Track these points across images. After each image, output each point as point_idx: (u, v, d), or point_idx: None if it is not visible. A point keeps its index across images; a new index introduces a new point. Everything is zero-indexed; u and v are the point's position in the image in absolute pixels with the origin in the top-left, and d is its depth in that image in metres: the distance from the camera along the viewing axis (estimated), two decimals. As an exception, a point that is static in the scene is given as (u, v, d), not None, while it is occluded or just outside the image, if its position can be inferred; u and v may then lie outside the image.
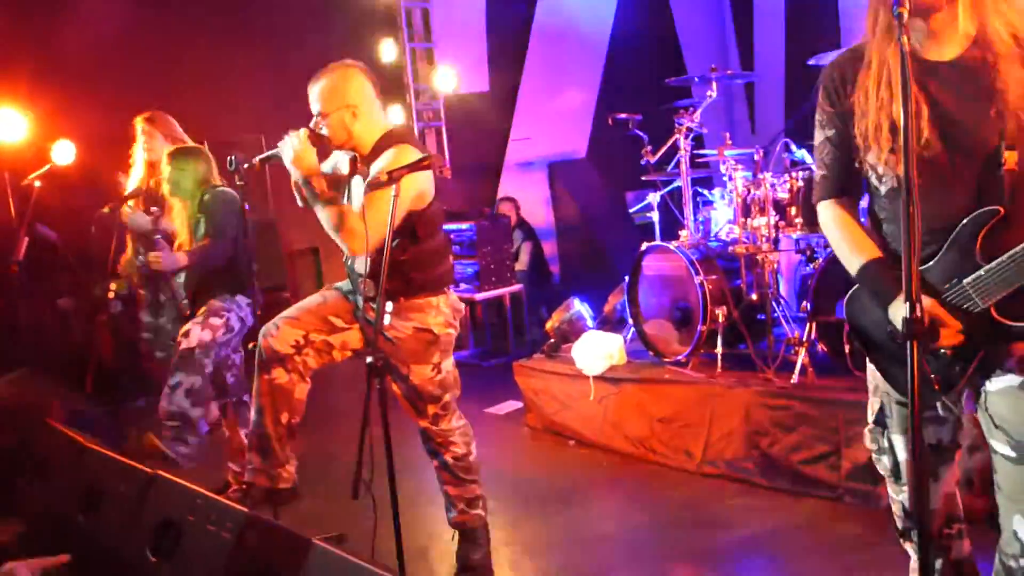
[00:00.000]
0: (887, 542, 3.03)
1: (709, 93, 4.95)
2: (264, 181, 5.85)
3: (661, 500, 3.78)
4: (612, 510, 3.71)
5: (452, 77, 7.21)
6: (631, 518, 3.61)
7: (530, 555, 3.33)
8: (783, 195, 4.31)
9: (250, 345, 3.08)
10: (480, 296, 6.48)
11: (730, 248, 4.44)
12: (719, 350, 4.23)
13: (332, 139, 2.85)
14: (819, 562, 3.07)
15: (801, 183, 4.26)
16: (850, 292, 2.04)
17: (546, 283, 7.70)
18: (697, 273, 4.29)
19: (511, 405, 5.27)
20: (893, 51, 1.70)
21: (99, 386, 5.33)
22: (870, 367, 2.06)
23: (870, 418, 2.12)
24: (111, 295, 4.69)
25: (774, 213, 4.28)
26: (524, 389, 4.94)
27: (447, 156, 7.13)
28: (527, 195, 7.98)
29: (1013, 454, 1.79)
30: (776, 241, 4.31)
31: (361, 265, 2.90)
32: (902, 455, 2.04)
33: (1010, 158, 1.70)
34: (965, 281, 1.77)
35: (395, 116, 6.96)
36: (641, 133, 5.02)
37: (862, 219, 2.00)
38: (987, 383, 1.84)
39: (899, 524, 2.14)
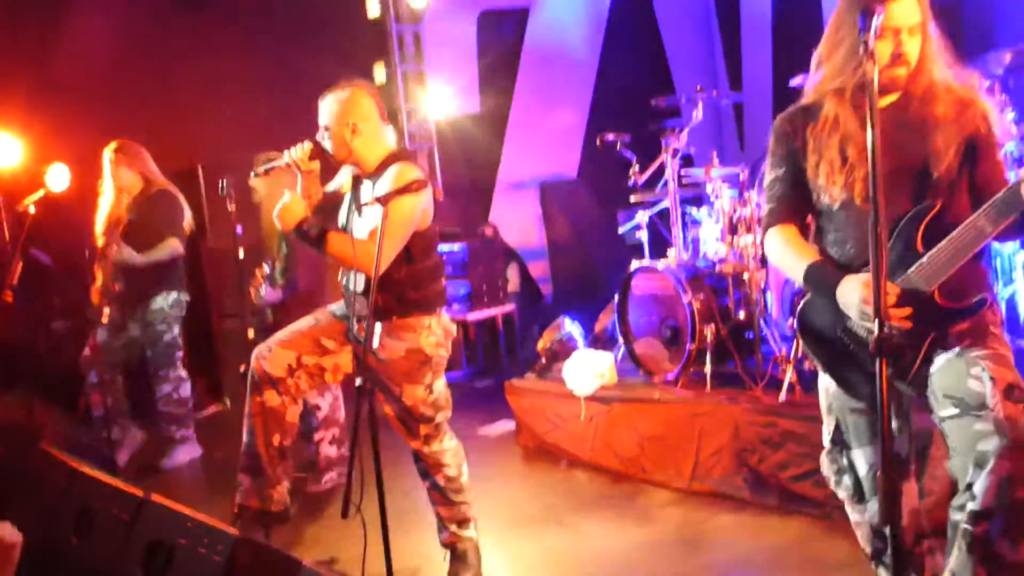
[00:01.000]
0: (874, 559, 3.08)
1: (695, 113, 5.01)
2: (257, 206, 5.86)
3: (652, 518, 3.80)
4: (603, 529, 3.73)
5: (443, 99, 7.27)
6: (622, 537, 3.63)
7: None
8: (769, 214, 4.36)
9: (242, 368, 3.11)
10: (472, 316, 6.51)
11: (717, 267, 4.49)
12: (708, 368, 4.26)
13: (334, 153, 2.97)
14: (808, 579, 3.10)
15: (787, 203, 4.31)
16: (800, 304, 2.18)
17: (538, 303, 7.73)
18: (685, 292, 4.33)
19: (504, 425, 5.28)
20: (843, 106, 2.13)
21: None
22: (821, 387, 2.22)
23: (826, 442, 2.22)
24: (104, 319, 4.73)
25: (760, 231, 4.32)
26: (515, 409, 4.96)
27: (439, 177, 7.17)
28: (519, 215, 8.01)
29: (956, 410, 1.95)
30: (763, 259, 4.36)
31: (356, 283, 2.95)
32: (863, 470, 2.11)
33: (939, 166, 2.06)
34: (910, 271, 2.00)
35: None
36: (630, 153, 5.08)
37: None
38: (931, 368, 2.03)
39: (867, 548, 2.19)
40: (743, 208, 4.38)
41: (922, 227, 2.02)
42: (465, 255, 6.45)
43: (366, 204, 2.83)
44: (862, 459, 2.12)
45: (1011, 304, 4.12)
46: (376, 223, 2.57)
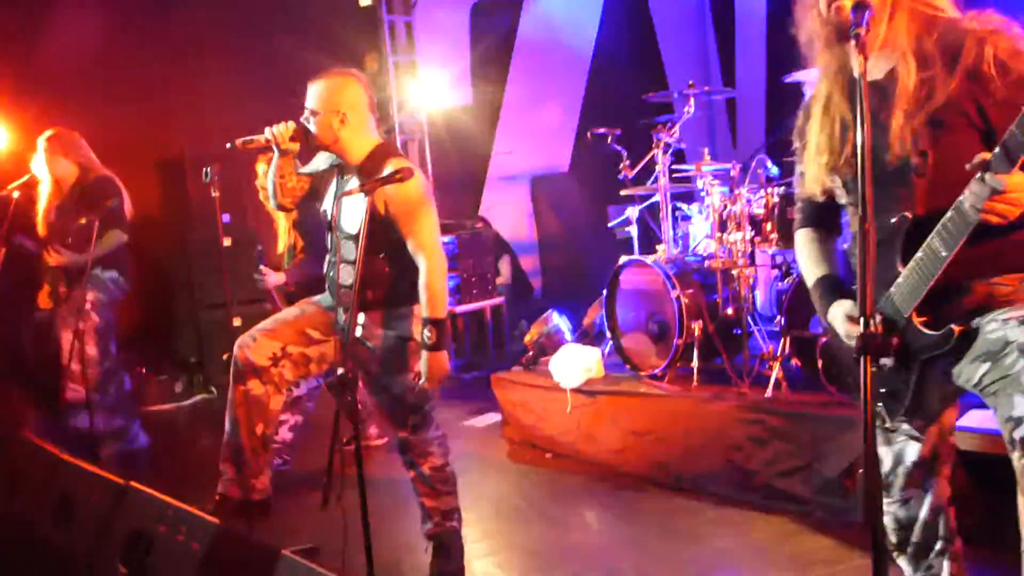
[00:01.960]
0: (857, 556, 3.09)
1: (687, 109, 5.00)
2: (241, 195, 5.82)
3: (636, 512, 3.80)
4: (587, 522, 3.73)
5: (435, 90, 7.24)
6: (606, 530, 3.63)
7: (504, 568, 3.34)
8: (759, 211, 4.36)
9: (224, 356, 3.09)
10: (461, 309, 6.50)
11: (706, 263, 4.48)
12: (695, 364, 4.26)
13: (319, 138, 2.91)
14: None
15: (776, 199, 4.31)
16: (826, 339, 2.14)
17: (527, 296, 7.72)
18: (673, 287, 4.33)
19: (490, 418, 5.28)
20: (832, 77, 1.99)
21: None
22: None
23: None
24: (88, 307, 4.68)
25: (750, 228, 4.32)
26: (502, 401, 4.96)
27: (429, 169, 7.15)
28: (509, 209, 8.01)
29: (987, 364, 1.80)
30: (752, 256, 4.35)
31: (344, 275, 2.93)
32: (887, 466, 2.10)
33: (920, 164, 1.81)
34: (891, 290, 1.87)
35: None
36: (621, 148, 5.06)
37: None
38: (954, 380, 1.89)
39: (892, 538, 2.18)
40: (733, 205, 4.37)
41: (900, 244, 1.86)
42: (454, 247, 6.43)
43: (350, 192, 2.79)
44: (888, 458, 2.11)
45: None
46: (362, 215, 2.55)
